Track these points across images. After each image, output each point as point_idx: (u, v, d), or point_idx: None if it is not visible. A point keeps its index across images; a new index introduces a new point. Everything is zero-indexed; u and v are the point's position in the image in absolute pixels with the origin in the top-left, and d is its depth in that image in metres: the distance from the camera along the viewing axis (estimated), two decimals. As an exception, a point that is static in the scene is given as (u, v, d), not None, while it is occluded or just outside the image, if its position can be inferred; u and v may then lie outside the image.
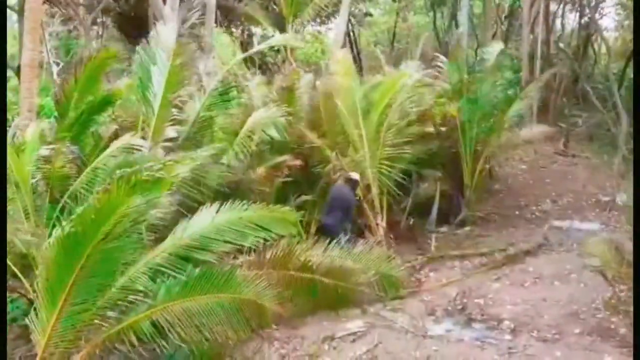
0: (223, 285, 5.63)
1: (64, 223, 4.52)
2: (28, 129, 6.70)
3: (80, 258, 4.56)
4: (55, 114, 8.27)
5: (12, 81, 15.23)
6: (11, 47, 17.38)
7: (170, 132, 7.18)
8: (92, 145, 7.62)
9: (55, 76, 17.50)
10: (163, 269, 5.51)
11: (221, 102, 8.20)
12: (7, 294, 6.54)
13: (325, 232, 8.04)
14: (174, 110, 7.47)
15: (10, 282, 6.62)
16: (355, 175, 8.96)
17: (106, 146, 6.90)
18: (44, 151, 6.40)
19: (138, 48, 7.65)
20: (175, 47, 7.31)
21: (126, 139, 6.60)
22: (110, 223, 4.46)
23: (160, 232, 5.90)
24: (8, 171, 6.17)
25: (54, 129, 7.55)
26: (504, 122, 11.38)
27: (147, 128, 7.17)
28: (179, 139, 7.37)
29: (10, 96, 13.80)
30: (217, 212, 5.81)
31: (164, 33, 7.58)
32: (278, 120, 9.02)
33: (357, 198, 9.12)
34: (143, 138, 6.90)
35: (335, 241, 7.41)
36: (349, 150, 9.79)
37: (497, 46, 12.14)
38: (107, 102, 7.73)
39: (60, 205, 6.11)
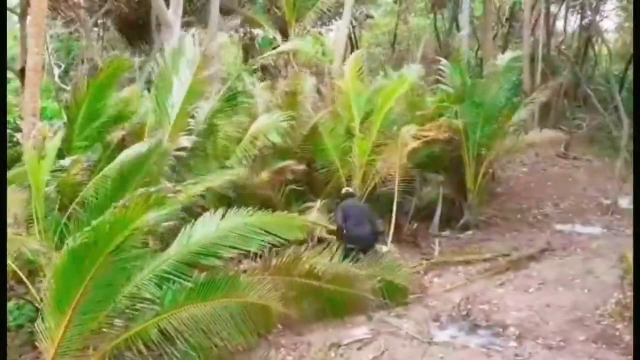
0: (228, 290, 5.67)
1: (77, 233, 4.55)
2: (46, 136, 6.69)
3: (91, 268, 4.60)
4: (65, 119, 8.32)
5: (12, 83, 15.21)
6: (11, 49, 17.35)
7: (185, 141, 7.22)
8: (101, 151, 7.65)
9: (56, 78, 17.49)
10: (169, 275, 5.53)
11: (227, 109, 8.22)
12: (14, 300, 6.58)
13: (365, 243, 7.94)
14: (190, 120, 7.56)
15: (16, 289, 6.65)
16: (348, 189, 8.98)
17: (114, 152, 6.95)
18: (66, 162, 6.44)
19: (157, 57, 7.76)
20: (201, 60, 7.48)
21: (137, 147, 6.61)
22: (124, 235, 4.50)
23: (163, 236, 5.93)
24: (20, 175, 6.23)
25: (63, 134, 7.56)
26: (508, 126, 11.40)
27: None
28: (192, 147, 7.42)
29: (10, 98, 13.79)
30: (221, 218, 5.81)
31: (187, 45, 7.76)
32: (280, 126, 9.04)
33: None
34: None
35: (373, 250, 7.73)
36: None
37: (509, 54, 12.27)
38: (123, 117, 7.84)
39: (68, 212, 6.14)
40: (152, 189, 4.52)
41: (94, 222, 4.44)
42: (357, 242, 7.84)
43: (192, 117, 7.65)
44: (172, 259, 5.63)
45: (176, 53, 7.70)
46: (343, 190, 8.91)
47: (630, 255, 6.54)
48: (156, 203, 4.58)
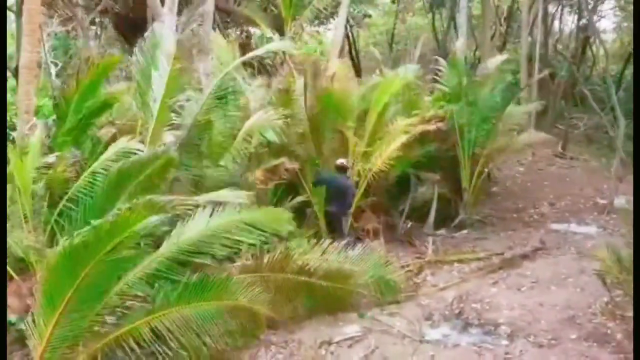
0: (219, 292, 5.67)
1: (74, 232, 4.56)
2: (34, 133, 6.68)
3: (85, 267, 4.64)
4: (54, 116, 8.29)
5: (8, 81, 15.17)
6: (8, 47, 17.30)
7: (169, 136, 7.19)
8: (90, 149, 7.63)
9: (53, 76, 17.43)
10: (160, 273, 5.54)
11: (219, 106, 8.18)
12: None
13: (331, 218, 9.14)
14: (172, 114, 7.48)
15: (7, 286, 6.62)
16: (342, 162, 9.44)
17: (104, 150, 6.93)
18: (51, 158, 6.43)
19: (136, 51, 7.63)
20: (175, 51, 7.31)
21: (124, 143, 6.60)
22: (122, 237, 4.52)
23: (156, 236, 5.91)
24: (10, 174, 6.21)
25: (52, 131, 7.55)
26: (504, 125, 11.42)
27: (145, 132, 7.16)
28: (176, 143, 7.37)
29: (8, 96, 13.75)
30: (210, 215, 5.81)
31: (164, 37, 7.59)
32: (275, 123, 9.02)
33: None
34: (142, 142, 6.90)
35: (340, 225, 8.90)
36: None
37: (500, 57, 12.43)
38: (105, 106, 7.78)
39: (59, 209, 6.13)
40: (163, 198, 4.59)
41: (94, 222, 4.46)
42: None
43: (174, 111, 7.55)
44: (163, 257, 5.65)
45: (153, 45, 7.57)
46: (339, 163, 9.46)
47: (601, 254, 6.57)
48: (160, 210, 4.64)
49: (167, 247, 5.61)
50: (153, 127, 6.99)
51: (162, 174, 6.16)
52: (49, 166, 6.47)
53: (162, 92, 7.08)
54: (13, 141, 9.72)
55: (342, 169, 9.43)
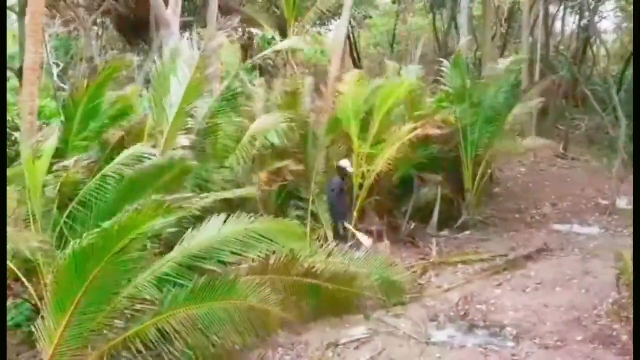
0: (228, 293, 5.69)
1: (83, 235, 4.59)
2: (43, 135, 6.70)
3: (94, 269, 4.65)
4: (62, 118, 8.36)
5: (10, 82, 15.17)
6: (10, 48, 17.30)
7: (184, 140, 7.27)
8: (99, 151, 7.68)
9: (55, 77, 17.45)
10: (169, 278, 5.55)
11: (227, 109, 8.25)
12: (12, 299, 6.58)
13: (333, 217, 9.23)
14: (188, 119, 7.60)
15: (14, 287, 6.64)
16: (344, 163, 9.35)
17: (113, 153, 6.98)
18: (70, 162, 6.45)
19: (155, 57, 7.74)
20: (199, 61, 7.46)
21: (138, 148, 6.64)
22: (130, 239, 4.54)
23: (166, 239, 5.94)
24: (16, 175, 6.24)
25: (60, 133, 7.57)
26: (507, 126, 11.44)
27: (159, 136, 7.21)
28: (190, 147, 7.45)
29: (9, 97, 13.76)
30: (224, 223, 5.82)
31: (187, 48, 7.83)
32: (280, 126, 9.05)
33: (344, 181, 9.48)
34: (153, 146, 6.95)
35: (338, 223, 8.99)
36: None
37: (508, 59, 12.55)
38: (122, 116, 8.04)
39: (68, 211, 6.15)
40: (169, 198, 4.61)
41: (103, 225, 4.48)
42: None
43: (191, 116, 7.65)
44: (173, 262, 5.67)
45: (175, 53, 7.71)
46: (341, 164, 9.37)
47: (626, 254, 6.57)
48: (167, 211, 4.67)
49: (178, 252, 5.62)
50: (168, 132, 7.05)
51: (179, 181, 6.20)
52: (65, 169, 6.47)
53: (181, 98, 7.18)
54: (15, 142, 9.75)
55: (341, 170, 9.31)
